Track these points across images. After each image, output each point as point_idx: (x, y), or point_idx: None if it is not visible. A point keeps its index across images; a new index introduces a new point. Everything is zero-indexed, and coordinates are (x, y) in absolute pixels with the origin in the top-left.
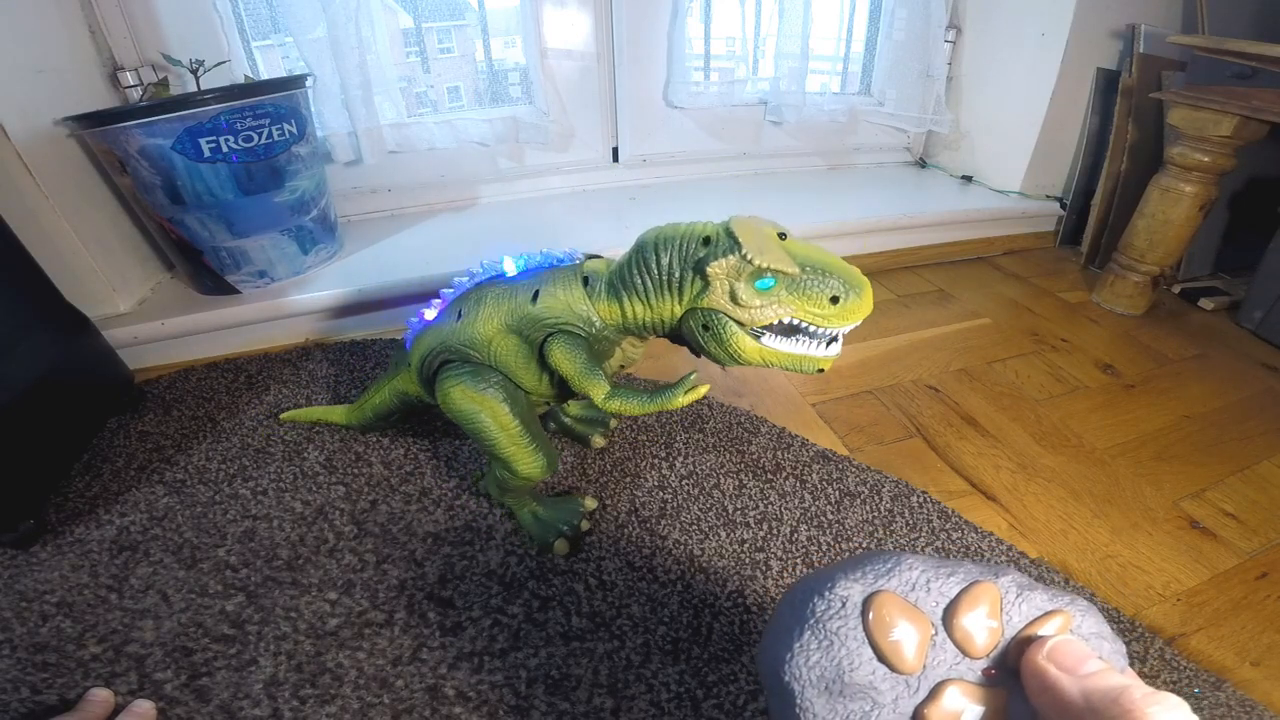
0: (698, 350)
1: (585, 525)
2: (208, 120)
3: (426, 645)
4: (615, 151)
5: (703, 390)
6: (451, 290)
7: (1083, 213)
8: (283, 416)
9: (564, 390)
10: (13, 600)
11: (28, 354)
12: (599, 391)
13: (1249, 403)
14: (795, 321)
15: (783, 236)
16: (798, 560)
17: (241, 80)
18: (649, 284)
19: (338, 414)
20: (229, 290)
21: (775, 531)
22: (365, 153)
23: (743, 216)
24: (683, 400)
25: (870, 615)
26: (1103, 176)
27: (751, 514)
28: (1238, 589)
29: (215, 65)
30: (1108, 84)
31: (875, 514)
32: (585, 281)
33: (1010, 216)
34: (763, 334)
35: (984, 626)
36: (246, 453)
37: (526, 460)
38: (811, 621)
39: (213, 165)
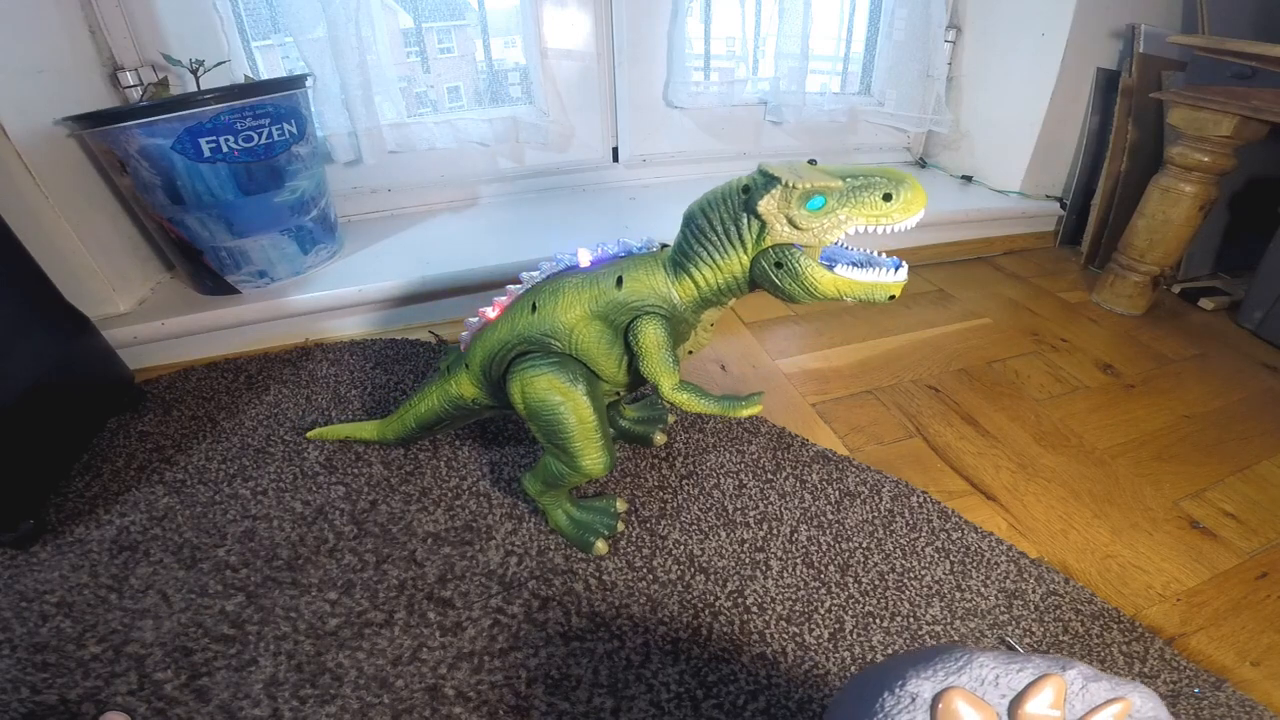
0: (775, 292)
1: (621, 526)
2: (208, 120)
3: (426, 645)
4: (615, 151)
5: (759, 409)
6: (520, 286)
7: (1083, 213)
8: (309, 434)
9: (638, 378)
10: (13, 600)
11: (28, 354)
12: (669, 380)
13: (1249, 403)
14: (866, 228)
15: (812, 163)
16: (798, 560)
17: (241, 80)
18: (709, 247)
19: (368, 430)
20: (229, 290)
21: (775, 531)
22: (365, 153)
23: (767, 160)
24: (744, 412)
25: (939, 710)
26: (1103, 176)
27: (751, 514)
28: (1238, 589)
29: (215, 65)
30: (1108, 84)
31: (875, 514)
32: (664, 266)
33: (1010, 216)
34: (835, 265)
35: (1046, 716)
36: (246, 453)
37: (593, 455)
38: (880, 716)
39: (213, 165)
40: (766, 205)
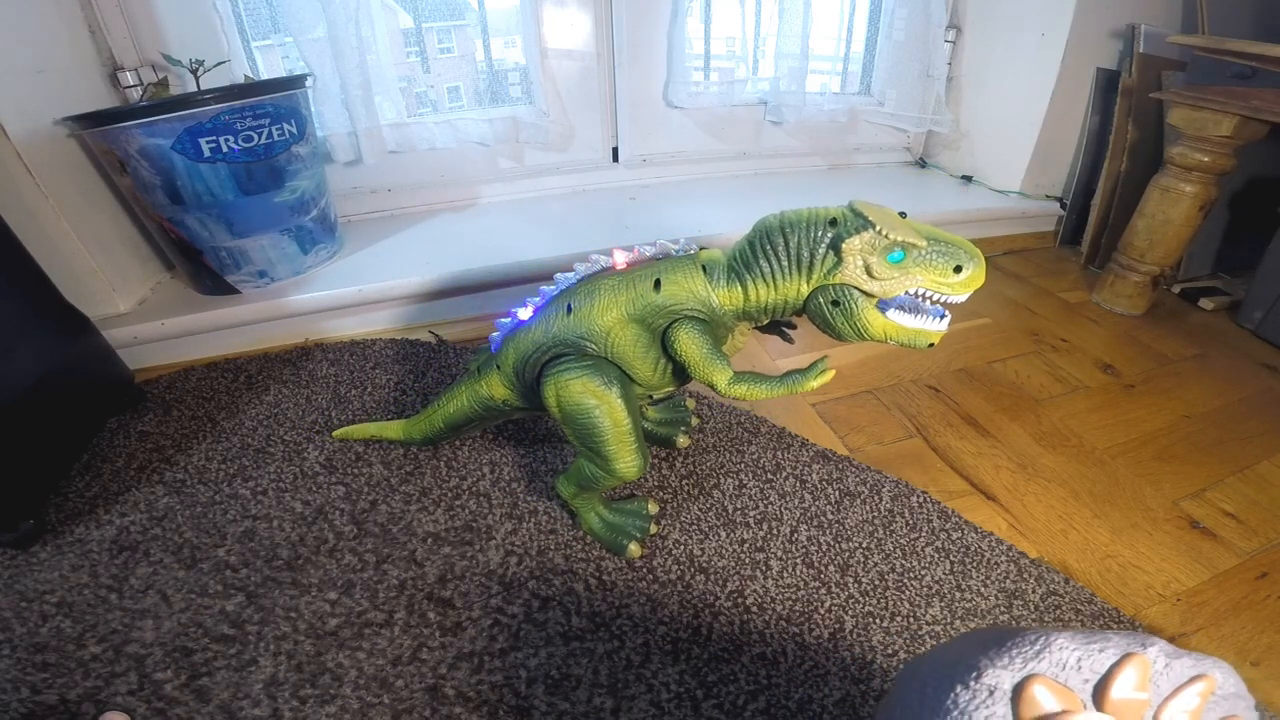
0: (822, 326)
1: (654, 529)
2: (208, 120)
3: (426, 645)
4: (615, 151)
5: (831, 375)
6: (553, 287)
7: (1083, 213)
8: (335, 434)
9: (678, 378)
10: (13, 600)
11: (28, 354)
12: (723, 377)
13: (1249, 403)
14: (923, 291)
15: (902, 215)
16: (798, 560)
17: (241, 80)
18: (775, 266)
19: (394, 429)
20: (229, 290)
21: (775, 531)
22: (365, 153)
23: (861, 200)
24: (814, 384)
25: (1022, 702)
26: (1103, 176)
27: (751, 514)
28: (1238, 589)
29: (215, 65)
30: (1108, 84)
31: (875, 514)
32: (703, 269)
33: (1010, 216)
34: (889, 309)
35: (1133, 699)
36: (246, 453)
37: (627, 459)
38: (955, 713)
39: (213, 165)
40: (851, 246)
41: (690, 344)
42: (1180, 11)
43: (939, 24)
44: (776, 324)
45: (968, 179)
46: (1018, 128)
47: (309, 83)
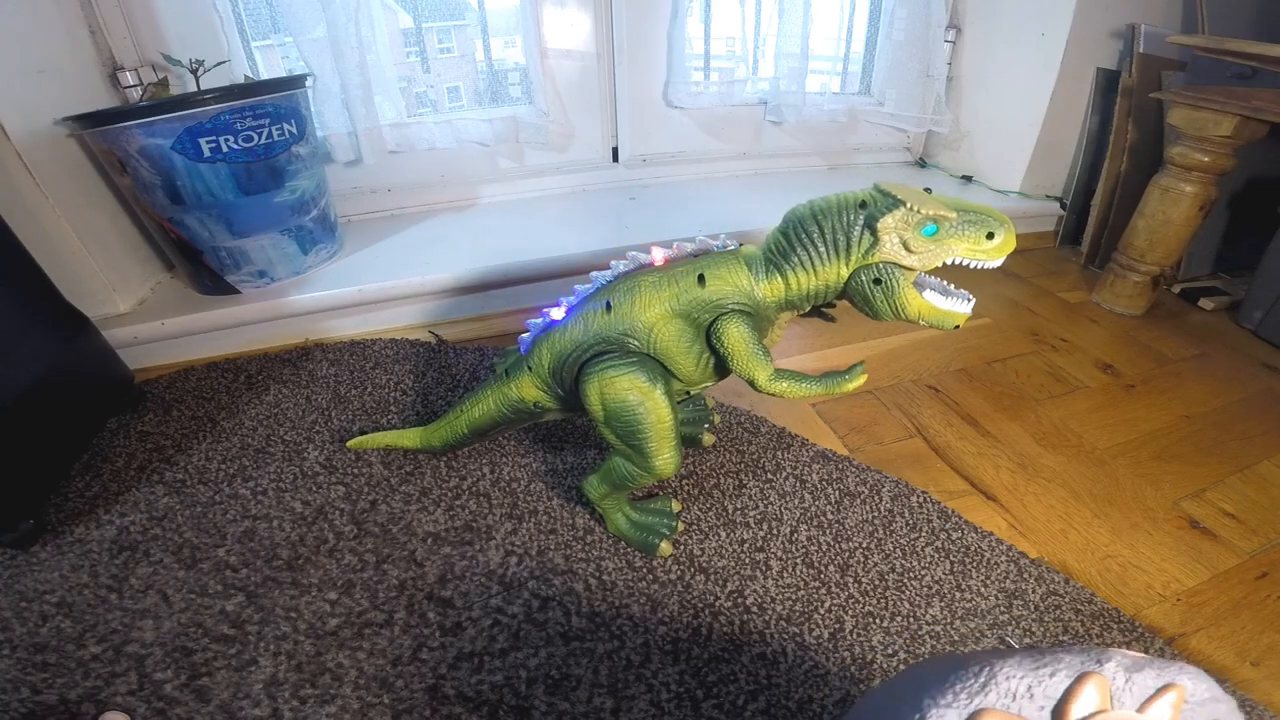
0: (863, 306)
1: (680, 527)
2: (208, 120)
3: (426, 645)
4: (615, 151)
5: (865, 379)
6: (589, 286)
7: (1083, 213)
8: (349, 444)
9: (718, 373)
10: (13, 600)
11: (27, 354)
12: (764, 372)
13: (1249, 403)
14: (961, 261)
15: (927, 191)
16: (798, 560)
17: (241, 80)
18: (813, 253)
19: (411, 437)
20: (229, 290)
21: (775, 531)
22: (365, 153)
23: (885, 181)
24: (851, 386)
25: None
26: (1103, 176)
27: (751, 514)
28: (1238, 589)
29: (215, 65)
30: (1108, 84)
31: (875, 514)
32: (746, 264)
33: (1010, 216)
34: (924, 291)
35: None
36: (246, 453)
37: (666, 455)
38: None
39: (213, 165)
40: (886, 224)
41: (738, 337)
42: (1180, 11)
43: (939, 24)
44: (817, 309)
45: (968, 179)
46: (1018, 128)
47: (309, 83)
